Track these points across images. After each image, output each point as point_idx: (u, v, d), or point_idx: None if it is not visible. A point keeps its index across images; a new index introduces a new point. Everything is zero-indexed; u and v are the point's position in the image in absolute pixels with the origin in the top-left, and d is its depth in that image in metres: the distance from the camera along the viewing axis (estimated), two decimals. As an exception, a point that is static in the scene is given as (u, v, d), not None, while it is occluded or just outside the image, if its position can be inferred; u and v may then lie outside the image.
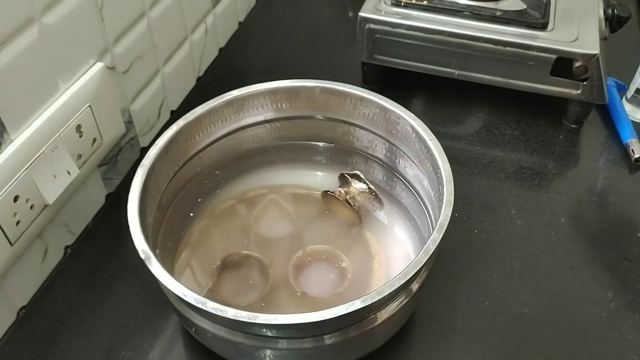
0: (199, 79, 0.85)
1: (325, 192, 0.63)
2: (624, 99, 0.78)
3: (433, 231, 0.48)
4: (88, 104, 0.59)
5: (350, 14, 0.95)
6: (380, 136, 0.62)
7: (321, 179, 0.66)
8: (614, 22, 0.77)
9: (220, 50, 0.91)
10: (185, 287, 0.44)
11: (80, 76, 0.59)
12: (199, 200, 0.63)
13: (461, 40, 0.73)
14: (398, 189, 0.63)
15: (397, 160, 0.62)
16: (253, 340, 0.47)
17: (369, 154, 0.65)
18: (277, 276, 0.57)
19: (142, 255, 0.46)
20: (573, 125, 0.77)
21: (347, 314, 0.42)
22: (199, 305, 0.43)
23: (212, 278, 0.57)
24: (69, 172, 0.57)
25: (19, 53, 0.51)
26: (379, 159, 0.64)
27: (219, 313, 0.43)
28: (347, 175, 0.63)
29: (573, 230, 0.65)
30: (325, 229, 0.62)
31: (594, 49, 0.70)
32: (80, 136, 0.59)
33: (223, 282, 0.57)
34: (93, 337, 0.57)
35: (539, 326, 0.57)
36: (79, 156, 0.59)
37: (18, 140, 0.52)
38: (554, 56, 0.71)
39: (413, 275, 0.45)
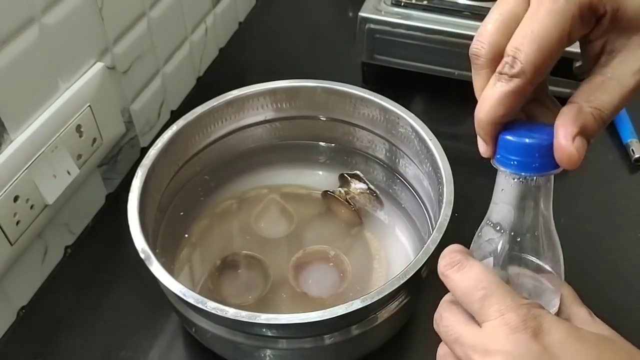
0: (199, 79, 0.85)
1: (325, 192, 0.63)
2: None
3: (433, 231, 0.48)
4: (88, 104, 0.59)
5: (350, 14, 0.95)
6: (381, 136, 0.62)
7: (321, 179, 0.66)
8: (614, 22, 0.76)
9: (220, 50, 0.91)
10: (185, 287, 0.44)
11: (80, 76, 0.59)
12: (199, 200, 0.63)
13: (461, 40, 0.73)
14: (398, 189, 0.63)
15: (397, 160, 0.62)
16: (253, 340, 0.47)
17: (369, 154, 0.65)
18: (277, 276, 0.57)
19: (142, 255, 0.46)
20: (573, 125, 0.77)
21: (347, 314, 0.43)
22: (199, 305, 0.43)
23: (212, 278, 0.57)
24: (69, 172, 0.57)
25: (19, 53, 0.51)
26: (379, 159, 0.64)
27: (219, 313, 0.43)
28: (347, 175, 0.63)
29: (573, 230, 0.65)
30: (325, 229, 0.62)
31: (594, 49, 0.70)
32: (80, 136, 0.59)
33: (223, 282, 0.57)
34: (93, 337, 0.57)
35: (539, 326, 0.57)
36: (79, 156, 0.59)
37: (18, 140, 0.52)
38: (554, 56, 0.71)
39: (413, 275, 0.45)
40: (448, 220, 0.48)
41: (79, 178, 0.59)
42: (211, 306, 0.43)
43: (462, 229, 0.65)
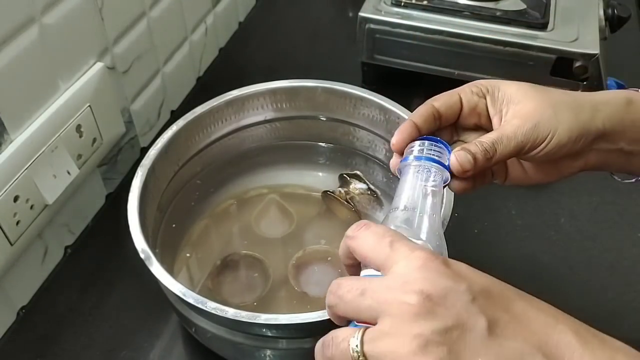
0: (199, 79, 0.85)
1: (325, 192, 0.63)
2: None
3: (433, 231, 0.48)
4: (88, 104, 0.59)
5: (350, 14, 0.95)
6: (381, 136, 0.62)
7: (321, 179, 0.66)
8: (614, 22, 0.76)
9: (220, 50, 0.91)
10: (185, 287, 0.44)
11: (80, 76, 0.59)
12: (199, 200, 0.63)
13: (461, 40, 0.73)
14: (398, 189, 0.63)
15: (397, 160, 0.62)
16: (253, 340, 0.47)
17: (369, 154, 0.65)
18: (277, 276, 0.57)
19: (142, 255, 0.46)
20: (573, 125, 0.77)
21: (347, 314, 0.42)
22: (199, 305, 0.43)
23: (212, 278, 0.57)
24: (69, 172, 0.57)
25: (19, 53, 0.51)
26: (379, 160, 0.64)
27: (219, 313, 0.43)
28: (347, 176, 0.63)
29: (573, 230, 0.65)
30: (325, 229, 0.62)
31: (594, 49, 0.70)
32: (80, 136, 0.59)
33: (223, 282, 0.57)
34: (93, 337, 0.57)
35: (539, 326, 0.57)
36: (79, 156, 0.59)
37: (18, 140, 0.52)
38: (554, 56, 0.71)
39: (413, 275, 0.45)
40: (448, 220, 0.48)
41: (79, 178, 0.59)
42: (211, 306, 0.43)
43: (462, 229, 0.65)
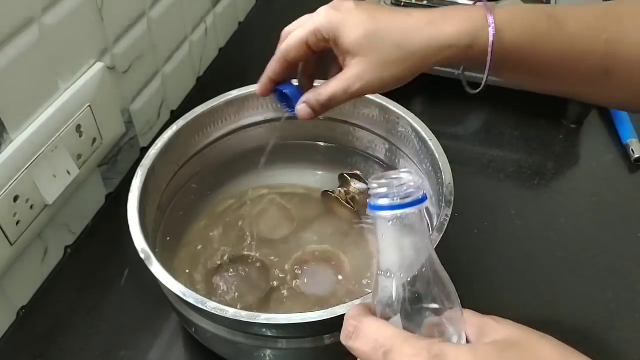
0: (199, 79, 0.85)
1: (325, 192, 0.63)
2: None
3: (433, 231, 0.48)
4: (88, 104, 0.59)
5: (350, 14, 0.95)
6: (381, 136, 0.62)
7: (321, 179, 0.66)
8: (614, 22, 0.76)
9: (220, 50, 0.91)
10: (185, 287, 0.44)
11: (80, 76, 0.59)
12: (199, 200, 0.63)
13: (461, 40, 0.73)
14: (398, 189, 0.63)
15: (397, 160, 0.62)
16: (253, 340, 0.47)
17: (369, 154, 0.65)
18: (277, 276, 0.57)
19: (142, 255, 0.46)
20: (573, 125, 0.77)
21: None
22: (199, 305, 0.43)
23: (211, 278, 0.57)
24: (69, 172, 0.57)
25: (19, 53, 0.51)
26: (379, 159, 0.64)
27: (219, 313, 0.43)
28: (347, 175, 0.63)
29: (573, 230, 0.65)
30: (325, 229, 0.62)
31: (594, 49, 0.70)
32: (80, 136, 0.59)
33: (223, 282, 0.57)
34: (93, 337, 0.57)
35: (539, 326, 0.57)
36: (79, 156, 0.59)
37: (18, 140, 0.52)
38: (554, 56, 0.71)
39: (413, 275, 0.45)
40: (448, 220, 0.48)
41: (79, 178, 0.59)
42: (211, 306, 0.43)
43: (462, 229, 0.65)
